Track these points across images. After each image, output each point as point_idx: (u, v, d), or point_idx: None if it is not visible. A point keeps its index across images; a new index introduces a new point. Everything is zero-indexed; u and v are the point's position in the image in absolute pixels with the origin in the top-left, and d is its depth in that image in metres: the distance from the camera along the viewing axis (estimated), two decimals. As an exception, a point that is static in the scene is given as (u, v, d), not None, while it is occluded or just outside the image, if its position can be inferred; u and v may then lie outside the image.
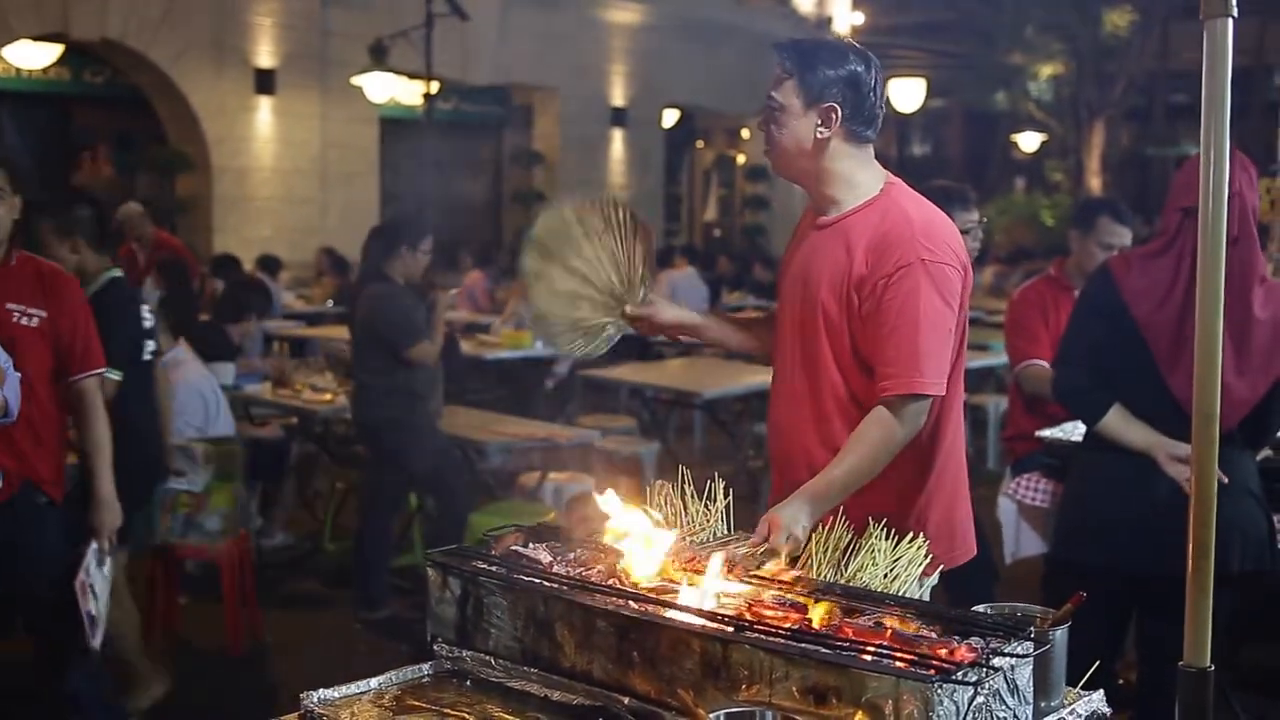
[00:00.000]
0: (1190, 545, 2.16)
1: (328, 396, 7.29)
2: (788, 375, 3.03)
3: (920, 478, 2.97)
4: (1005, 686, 2.06)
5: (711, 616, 2.22)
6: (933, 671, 1.95)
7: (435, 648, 2.57)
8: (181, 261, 9.36)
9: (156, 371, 5.27)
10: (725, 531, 2.79)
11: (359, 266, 6.35)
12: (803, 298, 2.97)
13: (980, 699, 1.99)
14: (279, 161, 16.54)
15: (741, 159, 25.63)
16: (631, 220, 3.07)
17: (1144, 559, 3.69)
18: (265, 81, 16.23)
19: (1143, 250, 3.87)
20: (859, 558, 2.63)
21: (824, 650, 2.06)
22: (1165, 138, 27.86)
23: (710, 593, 2.34)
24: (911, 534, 2.63)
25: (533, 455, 7.39)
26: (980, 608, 2.42)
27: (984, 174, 27.32)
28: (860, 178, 2.94)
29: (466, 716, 2.34)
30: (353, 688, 2.45)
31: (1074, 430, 4.50)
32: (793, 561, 2.62)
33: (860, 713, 1.97)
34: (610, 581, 2.44)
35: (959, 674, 1.96)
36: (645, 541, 2.49)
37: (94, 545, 4.12)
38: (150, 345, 5.04)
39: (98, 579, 4.12)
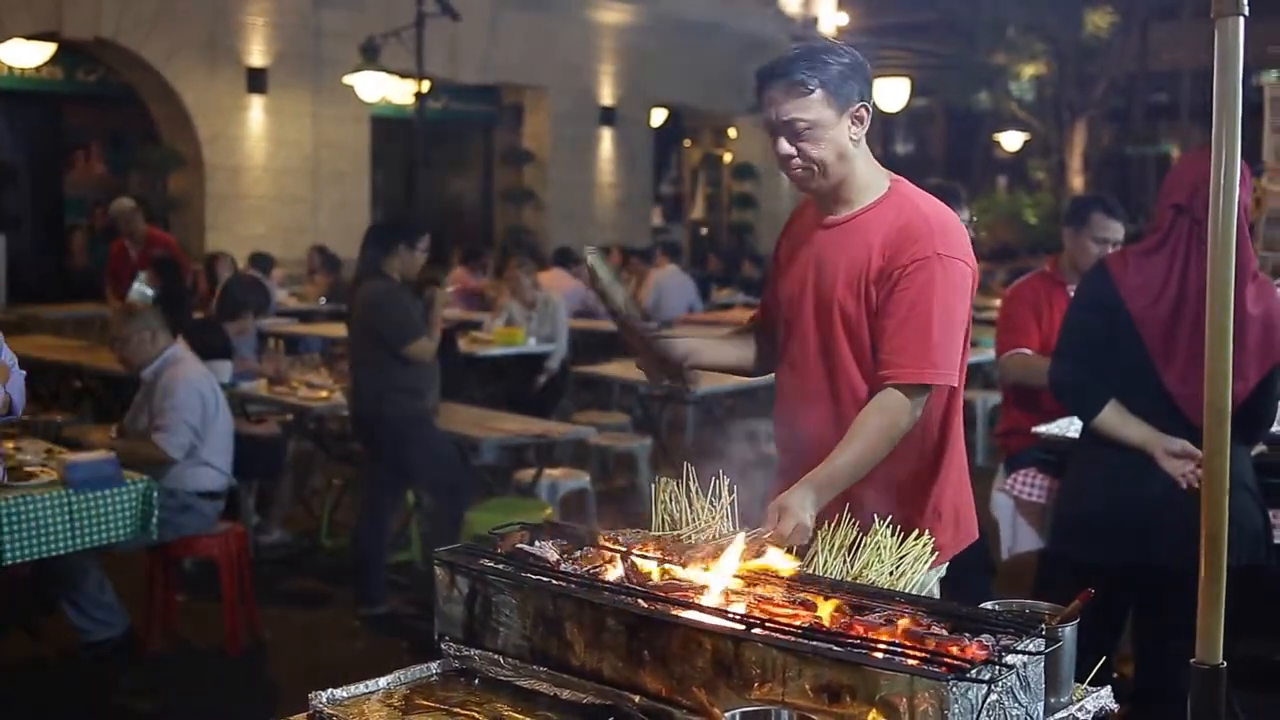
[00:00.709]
0: (1203, 540, 2.17)
1: (324, 394, 7.30)
2: (801, 373, 3.02)
3: (932, 468, 2.99)
4: (1018, 684, 2.07)
5: (722, 614, 2.22)
6: (948, 669, 1.96)
7: (443, 646, 2.55)
8: (175, 259, 9.35)
9: None
10: (731, 528, 2.79)
11: (356, 264, 6.34)
12: (816, 297, 2.97)
13: (994, 696, 2.00)
14: (271, 160, 16.52)
15: (728, 157, 25.68)
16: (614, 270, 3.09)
17: (1140, 554, 3.71)
18: (257, 80, 16.21)
19: (1138, 247, 3.88)
20: (865, 554, 2.64)
21: (838, 648, 2.06)
22: (1145, 137, 28.07)
23: (720, 589, 2.35)
24: (925, 525, 2.68)
25: (527, 451, 7.40)
26: (988, 605, 2.43)
27: (967, 173, 27.42)
28: (869, 176, 2.96)
29: (476, 715, 2.33)
30: (361, 687, 2.44)
31: (1070, 426, 4.52)
32: (800, 550, 2.64)
33: (875, 711, 1.97)
34: (619, 579, 2.44)
35: (974, 672, 1.96)
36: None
37: None
38: None
39: None
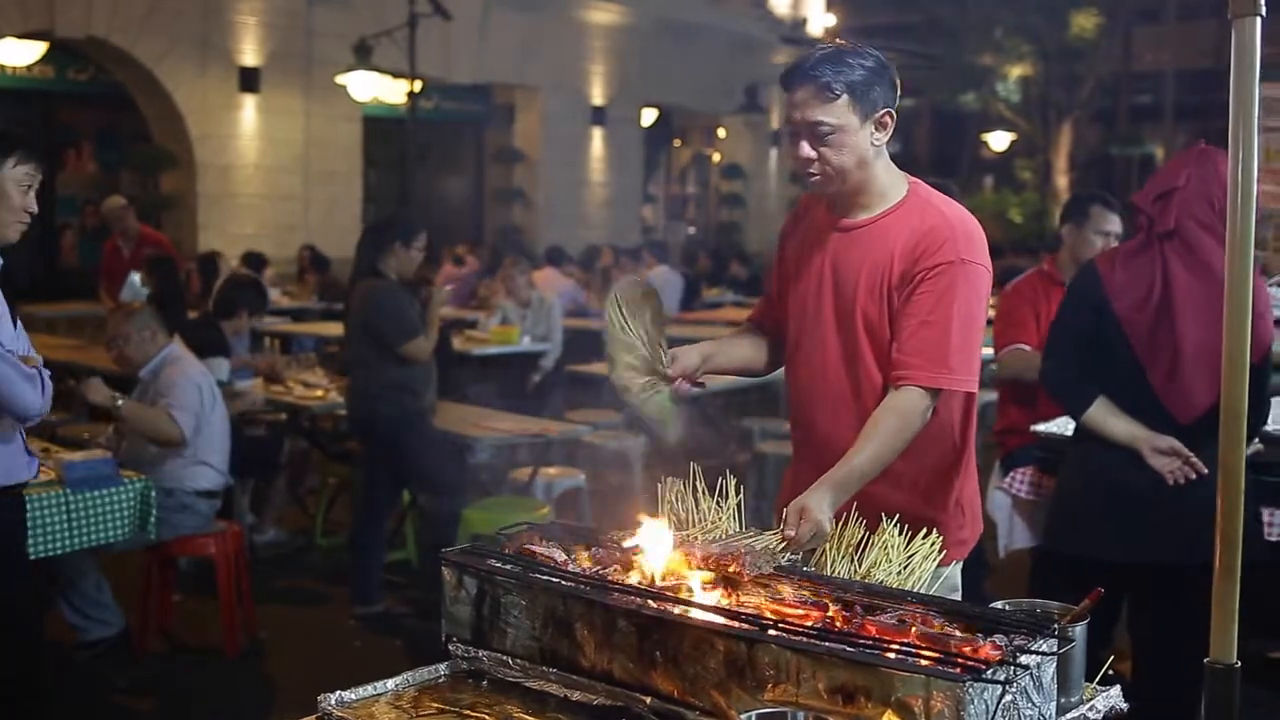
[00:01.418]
0: (1217, 541, 2.16)
1: (319, 393, 7.28)
2: (820, 375, 3.00)
3: (955, 467, 3.00)
4: (1032, 684, 2.06)
5: (734, 615, 2.21)
6: (963, 670, 1.95)
7: (450, 648, 2.54)
8: (170, 258, 9.33)
9: None
10: (738, 528, 2.80)
11: (353, 263, 6.33)
12: (835, 300, 2.95)
13: (1009, 697, 1.99)
14: (263, 159, 16.48)
15: (717, 157, 25.71)
16: (639, 291, 3.03)
17: (1130, 549, 3.76)
18: (249, 79, 16.17)
19: (1124, 247, 3.95)
20: (873, 554, 2.64)
21: (852, 649, 2.06)
22: (1129, 138, 28.21)
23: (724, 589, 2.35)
24: (950, 521, 2.76)
25: (520, 450, 7.38)
26: (999, 604, 2.43)
27: (953, 172, 27.55)
28: (888, 180, 2.95)
29: (486, 717, 2.33)
30: (369, 689, 2.43)
31: (1067, 424, 4.52)
32: (810, 552, 2.64)
33: (890, 712, 1.97)
34: (629, 580, 2.43)
35: (989, 672, 1.96)
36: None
37: None
38: None
39: None
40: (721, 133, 25.09)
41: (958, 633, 2.18)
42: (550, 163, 20.52)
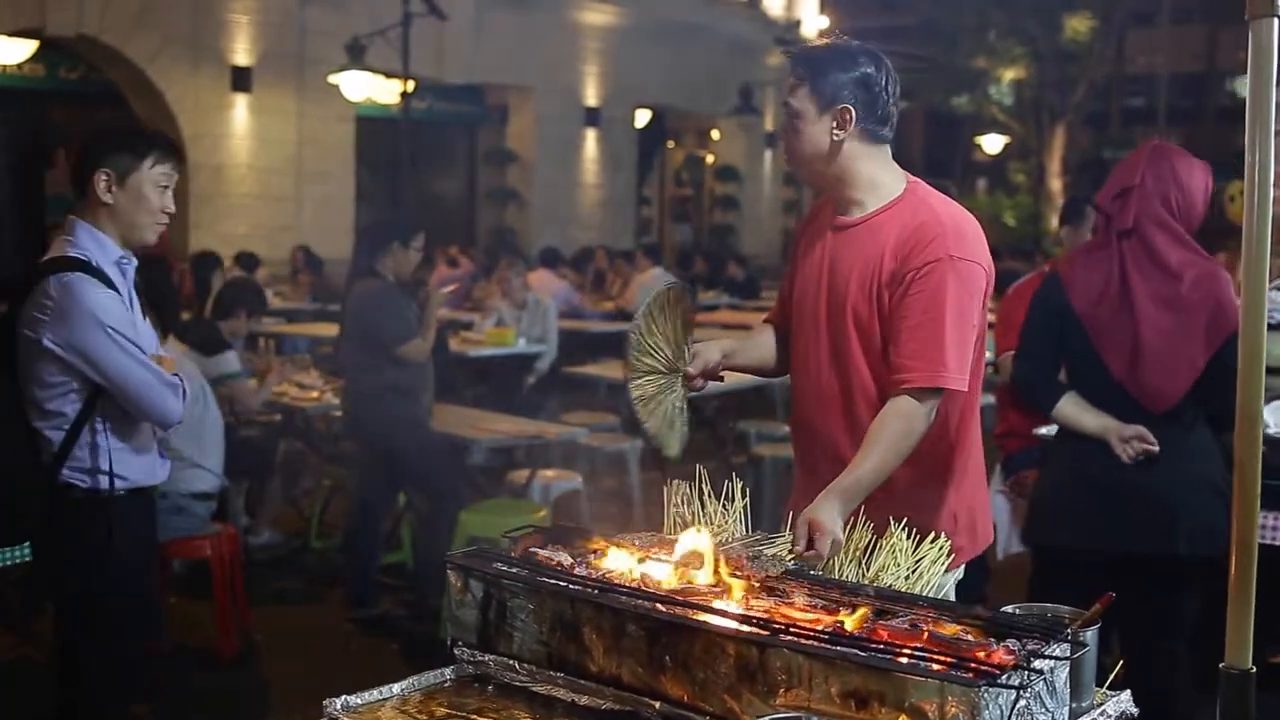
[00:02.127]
0: (1233, 547, 2.14)
1: (314, 394, 7.25)
2: (814, 374, 3.01)
3: (949, 472, 2.98)
4: (1045, 689, 2.05)
5: (744, 619, 2.19)
6: (978, 675, 1.94)
7: (455, 652, 2.52)
8: (163, 258, 9.29)
9: None
10: (744, 531, 2.78)
11: (350, 263, 6.31)
12: (829, 298, 2.96)
13: (1023, 702, 1.98)
14: (255, 159, 16.45)
15: (711, 159, 25.69)
16: (674, 292, 3.02)
17: (1106, 542, 3.82)
18: (242, 79, 16.15)
19: (1083, 247, 4.10)
20: (881, 558, 2.62)
21: (865, 654, 2.04)
22: (1122, 140, 28.28)
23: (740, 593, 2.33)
24: (943, 528, 2.68)
25: (517, 452, 7.36)
26: (1009, 608, 2.41)
27: (947, 175, 27.59)
28: (882, 178, 2.94)
29: (492, 722, 2.31)
30: (375, 694, 2.40)
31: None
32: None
33: (904, 717, 1.95)
34: (635, 583, 2.41)
35: (1004, 677, 1.95)
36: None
37: None
38: None
39: None
40: (715, 134, 25.08)
41: (970, 637, 2.16)
42: (543, 164, 20.52)
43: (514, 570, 2.46)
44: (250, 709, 5.26)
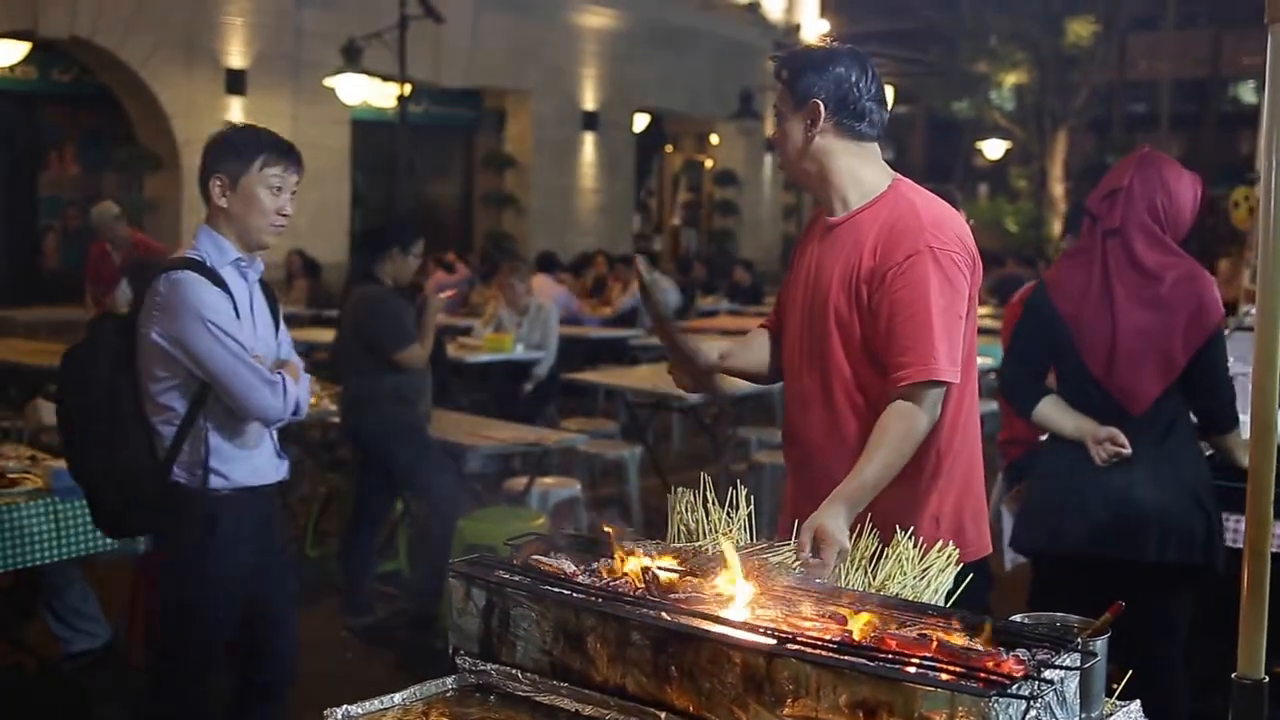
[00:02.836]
0: (1245, 556, 2.11)
1: (311, 400, 7.20)
2: (797, 375, 3.03)
3: (935, 472, 2.94)
4: (1055, 699, 2.02)
5: (753, 629, 2.16)
6: (988, 685, 1.91)
7: (457, 661, 2.48)
8: (156, 263, 9.21)
9: None
10: (749, 539, 2.75)
11: (348, 268, 6.29)
12: (813, 297, 2.97)
13: (1034, 713, 1.95)
14: (249, 162, 16.38)
15: (710, 163, 25.67)
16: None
17: (1084, 547, 3.82)
18: (236, 81, 16.10)
19: (1067, 253, 4.17)
20: (887, 566, 2.59)
21: (873, 664, 2.01)
22: (1124, 146, 28.28)
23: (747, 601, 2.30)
24: (924, 530, 2.67)
25: (514, 459, 7.33)
26: (1018, 617, 2.38)
27: (948, 180, 27.59)
28: (864, 175, 2.96)
29: (496, 732, 2.28)
30: (376, 703, 2.37)
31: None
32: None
33: (913, 728, 1.92)
34: (640, 592, 2.38)
35: (1015, 687, 1.92)
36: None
37: None
38: None
39: None
40: (714, 139, 25.07)
41: (979, 647, 2.13)
42: (541, 168, 20.48)
43: (517, 578, 2.43)
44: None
